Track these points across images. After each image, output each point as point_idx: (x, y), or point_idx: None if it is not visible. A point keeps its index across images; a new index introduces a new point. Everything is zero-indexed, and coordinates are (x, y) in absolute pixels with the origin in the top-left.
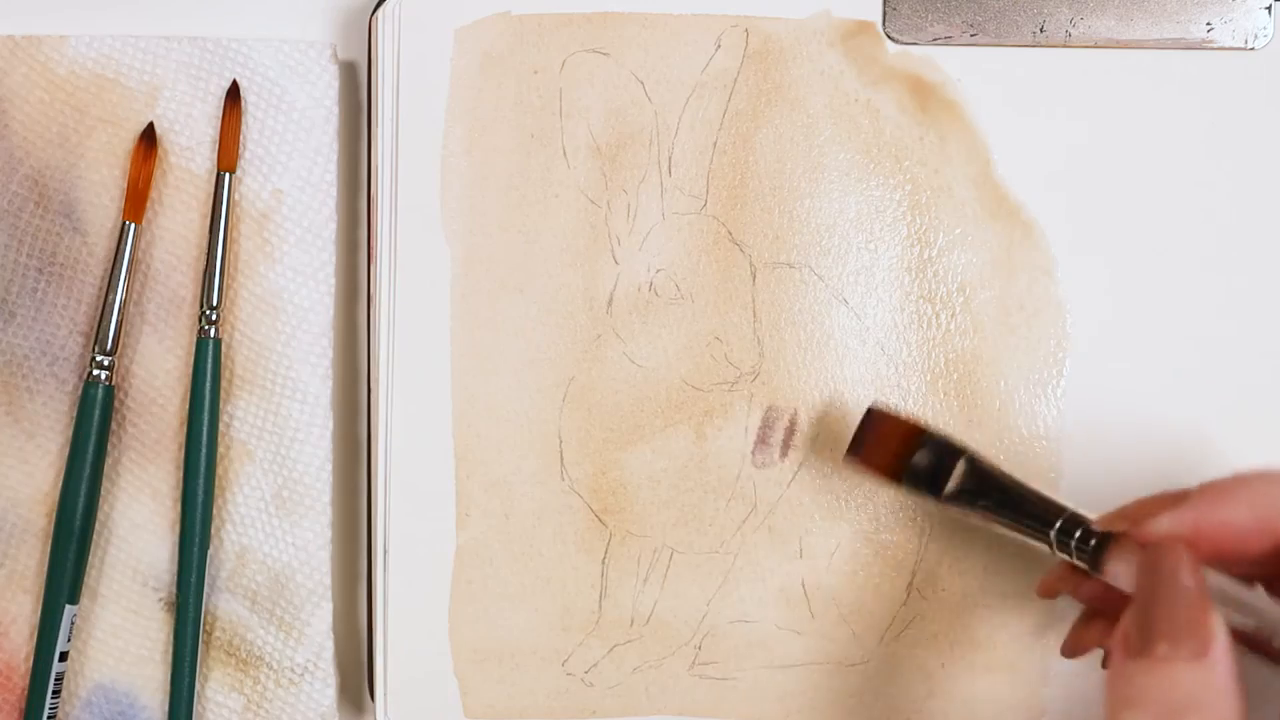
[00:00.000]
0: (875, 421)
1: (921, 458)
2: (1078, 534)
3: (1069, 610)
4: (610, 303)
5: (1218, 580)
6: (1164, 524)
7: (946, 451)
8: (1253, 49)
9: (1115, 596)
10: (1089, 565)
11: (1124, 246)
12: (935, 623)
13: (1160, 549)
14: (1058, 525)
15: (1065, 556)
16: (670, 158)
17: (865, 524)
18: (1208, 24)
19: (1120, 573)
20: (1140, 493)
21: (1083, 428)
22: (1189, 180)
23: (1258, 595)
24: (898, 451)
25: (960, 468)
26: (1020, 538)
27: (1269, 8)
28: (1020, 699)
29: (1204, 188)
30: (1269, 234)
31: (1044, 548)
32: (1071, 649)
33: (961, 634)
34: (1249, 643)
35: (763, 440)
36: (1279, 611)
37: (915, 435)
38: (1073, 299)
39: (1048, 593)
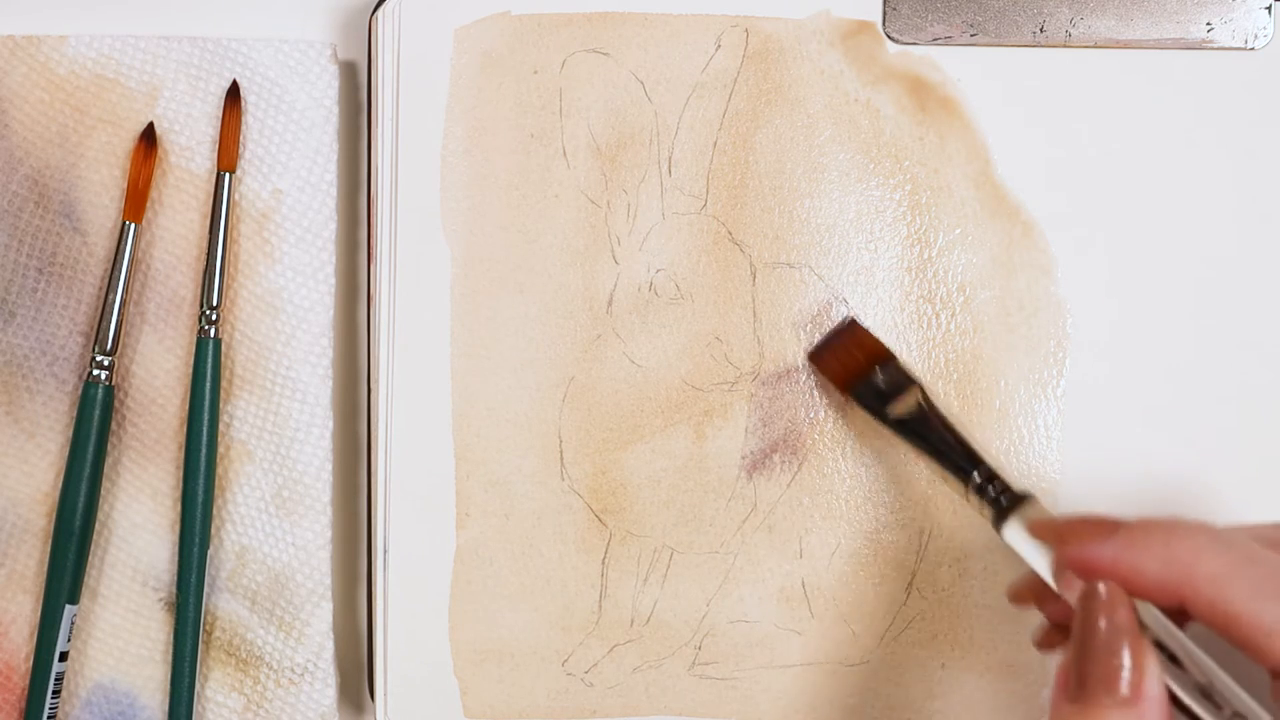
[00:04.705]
0: (847, 333)
1: (879, 376)
2: (991, 488)
3: None
4: (610, 303)
5: (1152, 617)
6: (1085, 552)
7: (903, 379)
8: (1253, 49)
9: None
10: (992, 522)
11: (1124, 246)
12: (935, 623)
13: (1095, 589)
14: (975, 474)
15: (976, 507)
16: (670, 158)
17: (865, 524)
18: (1208, 24)
19: (1014, 538)
20: (1139, 492)
21: (1082, 428)
22: (1189, 180)
23: (1187, 640)
24: (859, 365)
25: (912, 397)
26: (944, 478)
27: (1269, 8)
28: (1020, 699)
29: (1204, 188)
30: (1269, 233)
31: (959, 490)
32: (1041, 649)
33: (961, 634)
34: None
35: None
36: (1206, 660)
37: (880, 355)
38: (1073, 299)
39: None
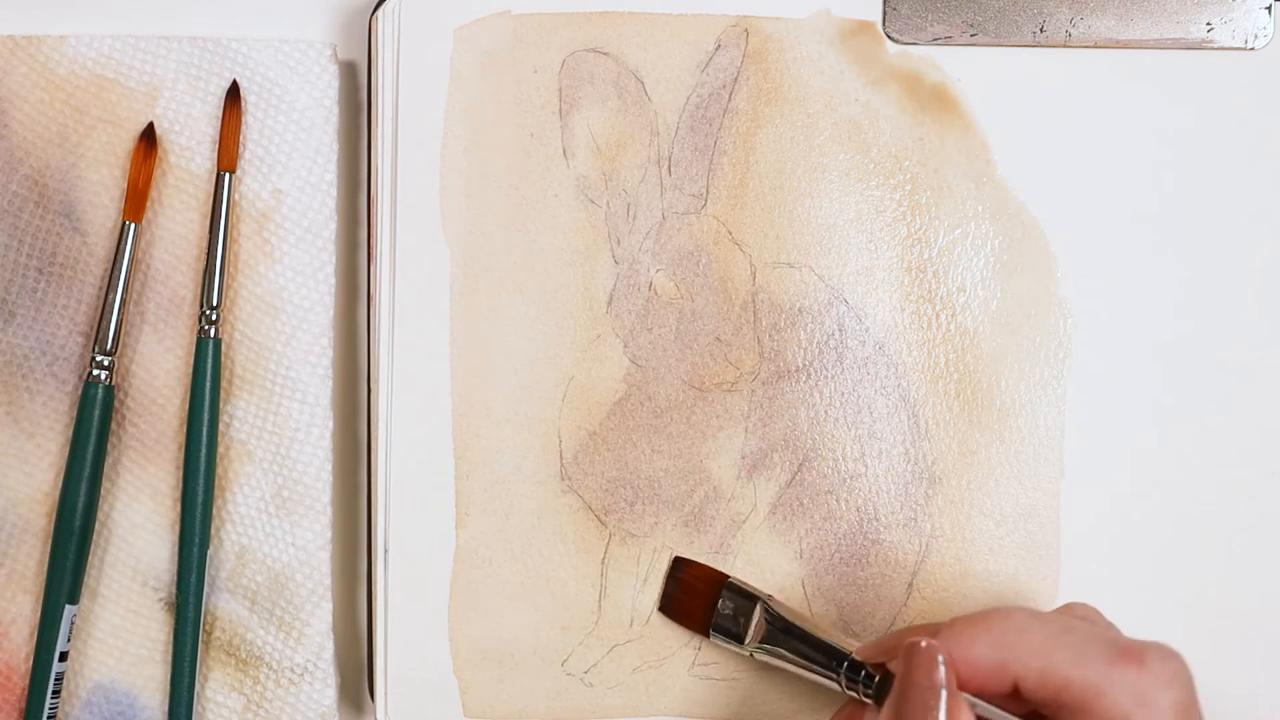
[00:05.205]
0: (680, 571)
1: (724, 605)
2: (862, 674)
3: None
4: (610, 302)
5: (983, 708)
6: (918, 647)
7: (746, 597)
8: (1253, 49)
9: None
10: (874, 700)
11: (1124, 247)
12: (936, 622)
13: (915, 650)
14: (844, 666)
15: (854, 694)
16: (670, 158)
17: (865, 524)
18: (1208, 24)
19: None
20: (1139, 492)
21: (1083, 428)
22: (1189, 180)
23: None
24: (705, 600)
25: (758, 614)
26: (812, 678)
27: (1269, 8)
28: None
29: (1204, 187)
30: (1269, 233)
31: (835, 686)
32: None
33: None
34: None
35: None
36: None
37: (718, 583)
38: (1073, 299)
39: None
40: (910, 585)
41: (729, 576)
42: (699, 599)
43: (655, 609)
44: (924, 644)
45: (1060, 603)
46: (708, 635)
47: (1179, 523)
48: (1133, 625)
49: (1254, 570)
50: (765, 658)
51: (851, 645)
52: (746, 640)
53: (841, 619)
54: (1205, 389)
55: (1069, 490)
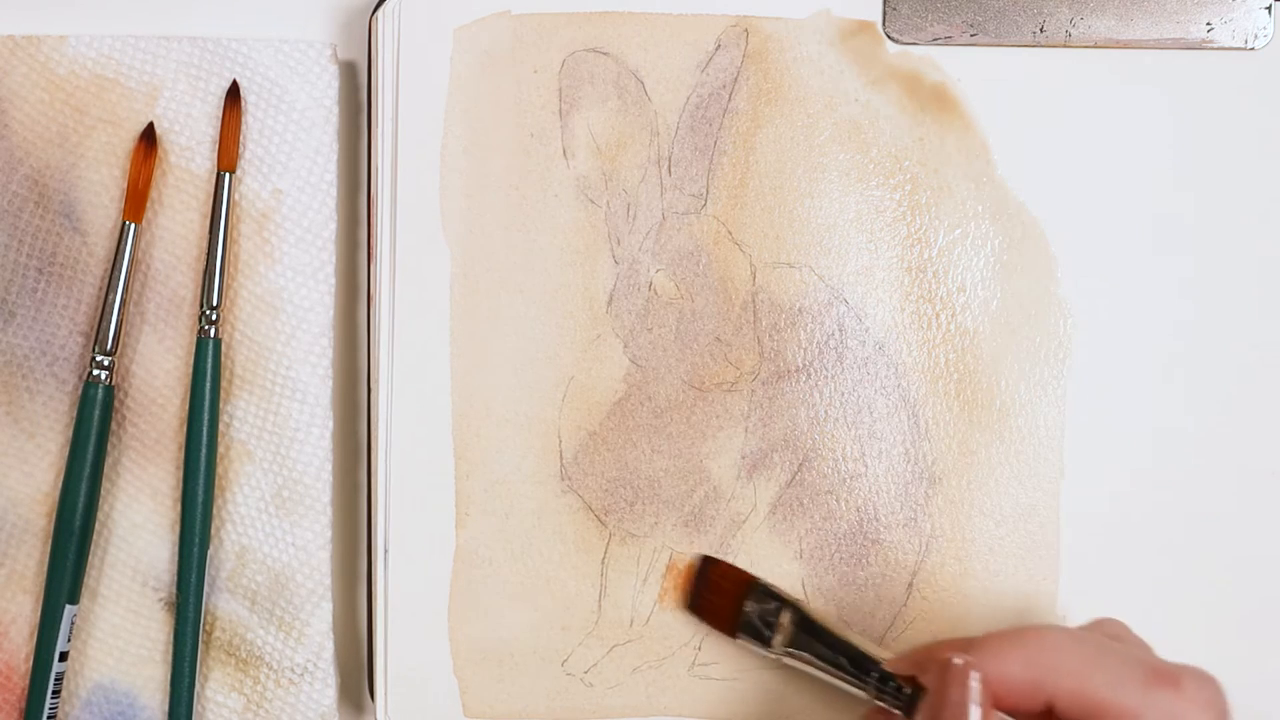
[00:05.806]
0: (708, 571)
1: (751, 607)
2: (892, 684)
3: (1070, 613)
4: (610, 302)
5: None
6: (952, 663)
7: (774, 601)
8: (1253, 49)
9: None
10: (904, 712)
11: (1124, 247)
12: (935, 623)
13: (951, 666)
14: (876, 676)
15: (884, 704)
16: (670, 158)
17: (865, 524)
18: (1208, 24)
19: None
20: (1139, 492)
21: (1083, 428)
22: (1189, 180)
23: None
24: (733, 601)
25: (787, 619)
26: (839, 684)
27: (1269, 8)
28: None
29: (1204, 187)
30: (1269, 233)
31: (863, 694)
32: None
33: (962, 634)
34: None
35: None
36: None
37: (746, 585)
38: (1073, 299)
39: None
40: (910, 585)
41: (757, 578)
42: (726, 599)
43: (677, 607)
44: (959, 660)
45: (1059, 603)
46: (734, 636)
47: (1179, 523)
48: (1132, 625)
49: (1254, 570)
50: (793, 662)
51: (881, 654)
52: (774, 643)
53: (841, 619)
54: (1205, 389)
55: (1069, 490)
